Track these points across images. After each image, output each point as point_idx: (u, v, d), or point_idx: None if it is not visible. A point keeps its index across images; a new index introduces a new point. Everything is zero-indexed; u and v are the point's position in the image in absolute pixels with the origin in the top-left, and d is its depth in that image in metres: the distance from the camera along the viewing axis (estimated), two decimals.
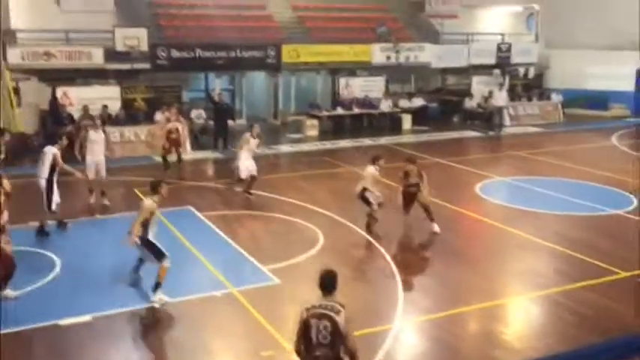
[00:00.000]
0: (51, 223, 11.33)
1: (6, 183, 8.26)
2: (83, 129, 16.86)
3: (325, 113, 23.17)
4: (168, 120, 16.20)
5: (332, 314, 5.15)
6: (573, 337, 7.89)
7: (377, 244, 10.89)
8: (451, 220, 12.61)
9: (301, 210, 12.92)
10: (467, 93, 25.70)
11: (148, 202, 8.63)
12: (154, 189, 8.74)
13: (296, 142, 20.72)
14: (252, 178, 13.72)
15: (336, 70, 24.44)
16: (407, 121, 23.70)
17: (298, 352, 5.34)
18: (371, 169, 11.43)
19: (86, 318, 8.05)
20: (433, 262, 10.45)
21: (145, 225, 8.50)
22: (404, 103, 24.77)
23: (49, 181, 10.94)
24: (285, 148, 19.89)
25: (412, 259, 10.66)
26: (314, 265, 10.07)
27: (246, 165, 13.65)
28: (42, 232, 11.03)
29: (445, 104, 26.00)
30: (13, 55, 19.10)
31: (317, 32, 24.67)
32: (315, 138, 21.75)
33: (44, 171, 10.94)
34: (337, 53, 23.66)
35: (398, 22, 26.25)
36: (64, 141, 11.49)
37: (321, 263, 9.88)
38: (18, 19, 20.54)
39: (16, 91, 19.35)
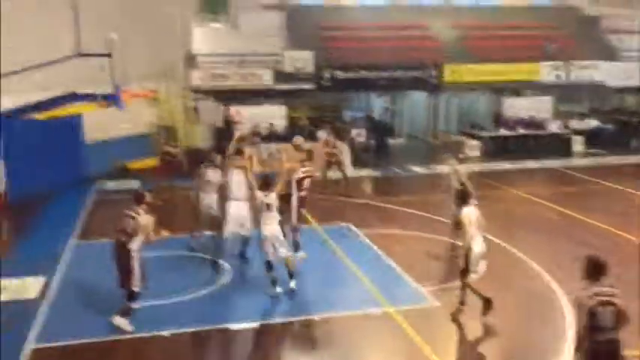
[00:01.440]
0: None
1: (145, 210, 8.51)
2: (253, 145, 17.99)
3: (487, 134, 22.45)
4: (326, 144, 16.56)
5: (614, 299, 5.55)
6: None
7: (545, 273, 10.26)
8: (630, 251, 11.53)
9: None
10: None
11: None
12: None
13: None
14: None
15: (500, 90, 23.65)
16: (578, 144, 22.20)
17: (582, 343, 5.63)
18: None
19: (254, 324, 8.48)
20: None
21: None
22: (575, 123, 23.24)
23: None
24: (444, 168, 19.51)
25: None
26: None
27: None
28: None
29: (623, 126, 23.93)
30: (194, 77, 20.91)
31: (480, 51, 24.09)
32: (476, 159, 21.14)
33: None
34: (501, 72, 22.94)
35: (569, 39, 24.82)
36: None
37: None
38: (199, 44, 22.46)
39: (195, 109, 21.12)
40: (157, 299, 8.93)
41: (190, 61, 21.36)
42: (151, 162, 19.36)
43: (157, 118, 19.92)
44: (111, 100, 8.82)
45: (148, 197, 8.51)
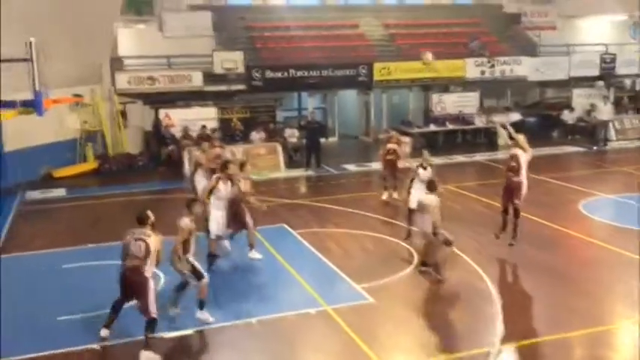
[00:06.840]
0: None
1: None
2: (184, 148, 17.81)
3: (417, 130, 22.94)
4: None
5: None
6: None
7: (474, 264, 10.59)
8: (553, 240, 12.08)
9: (394, 228, 12.80)
10: (567, 106, 24.63)
11: (185, 221, 8.35)
12: (189, 207, 8.52)
13: None
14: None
15: (429, 87, 24.20)
16: (503, 137, 22.99)
17: None
18: None
19: (188, 331, 8.35)
20: (534, 283, 10.00)
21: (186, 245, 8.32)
22: (499, 117, 24.03)
23: None
24: (377, 165, 19.78)
25: (511, 280, 10.26)
26: (408, 284, 9.98)
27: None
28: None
29: (544, 119, 24.98)
30: (121, 81, 20.32)
31: (408, 49, 24.56)
32: (408, 155, 21.51)
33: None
34: (429, 69, 23.43)
35: (492, 36, 25.66)
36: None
37: (415, 282, 9.80)
38: (124, 46, 21.87)
39: (123, 114, 20.59)
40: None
41: (116, 63, 20.78)
42: (77, 169, 18.78)
43: (82, 124, 19.32)
44: (30, 106, 8.45)
45: (152, 217, 7.95)
